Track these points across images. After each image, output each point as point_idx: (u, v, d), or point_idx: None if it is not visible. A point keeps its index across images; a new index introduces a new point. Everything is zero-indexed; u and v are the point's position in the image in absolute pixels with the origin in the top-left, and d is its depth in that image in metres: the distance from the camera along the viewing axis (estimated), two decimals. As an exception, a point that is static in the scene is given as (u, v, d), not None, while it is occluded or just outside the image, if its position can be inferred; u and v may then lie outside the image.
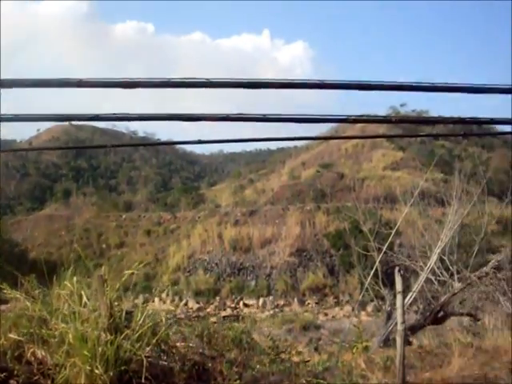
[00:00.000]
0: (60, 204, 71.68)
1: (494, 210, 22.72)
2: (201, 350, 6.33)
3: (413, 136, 75.82)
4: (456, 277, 14.12)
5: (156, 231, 56.69)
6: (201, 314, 38.15)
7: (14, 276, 7.23)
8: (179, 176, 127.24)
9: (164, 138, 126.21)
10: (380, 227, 18.29)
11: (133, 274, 6.99)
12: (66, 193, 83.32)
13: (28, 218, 64.11)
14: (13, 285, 6.94)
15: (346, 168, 67.59)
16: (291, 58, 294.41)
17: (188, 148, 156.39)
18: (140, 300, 36.43)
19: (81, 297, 6.21)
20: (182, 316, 31.96)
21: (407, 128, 63.64)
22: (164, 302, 43.82)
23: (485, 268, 13.63)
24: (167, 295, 45.32)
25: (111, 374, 5.53)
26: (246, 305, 43.42)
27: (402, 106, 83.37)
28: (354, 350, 9.51)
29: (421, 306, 14.55)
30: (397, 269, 7.83)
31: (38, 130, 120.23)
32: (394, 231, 16.18)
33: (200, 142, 4.83)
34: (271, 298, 43.71)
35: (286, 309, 41.93)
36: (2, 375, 5.71)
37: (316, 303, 42.92)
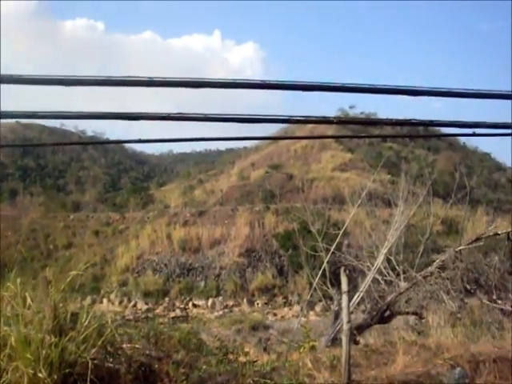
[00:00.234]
0: (6, 204, 70.11)
1: (439, 211, 23.13)
2: (147, 352, 6.27)
3: (359, 137, 76.97)
4: (402, 276, 14.32)
5: (104, 232, 55.93)
6: (150, 315, 37.91)
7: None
8: (128, 176, 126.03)
9: (113, 137, 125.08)
10: (328, 228, 18.46)
11: (80, 274, 6.88)
12: (12, 192, 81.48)
13: (-28, 219, 62.57)
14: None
15: (295, 169, 67.96)
16: (242, 58, 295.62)
17: (137, 148, 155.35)
18: (88, 301, 35.95)
19: (25, 299, 6.08)
20: (131, 317, 31.70)
21: (356, 130, 64.58)
22: (112, 304, 43.27)
23: (430, 268, 13.86)
24: (116, 296, 44.75)
25: (55, 377, 5.42)
26: (195, 305, 43.22)
27: (351, 107, 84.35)
28: (301, 350, 9.57)
29: (368, 306, 14.70)
30: (342, 269, 7.93)
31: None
32: (341, 232, 16.35)
33: (140, 141, 4.78)
34: (220, 298, 43.63)
35: (236, 309, 41.93)
36: None
37: (265, 303, 43.02)
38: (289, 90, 3.69)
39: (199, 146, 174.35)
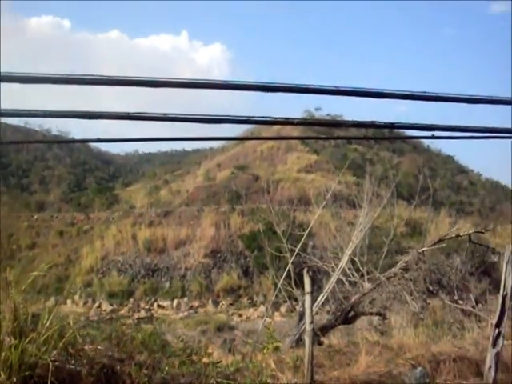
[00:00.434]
0: (-34, 203, 68.95)
1: (403, 213, 23.41)
2: (110, 353, 6.22)
3: (322, 138, 77.46)
4: (366, 277, 14.43)
5: (69, 232, 55.24)
6: (114, 316, 37.60)
7: None
8: (93, 176, 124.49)
9: (78, 136, 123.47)
10: (293, 229, 18.50)
11: (43, 275, 6.79)
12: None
13: None
14: None
15: (261, 170, 68.06)
16: (209, 59, 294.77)
17: (103, 148, 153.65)
18: (51, 302, 35.49)
19: (-16, 300, 5.97)
20: (95, 318, 31.39)
21: (322, 132, 64.96)
22: (76, 305, 42.75)
23: (393, 269, 13.99)
24: (80, 297, 44.22)
25: (15, 379, 5.33)
26: (160, 306, 42.98)
27: (317, 110, 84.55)
28: (265, 351, 9.59)
29: (332, 307, 14.79)
30: (305, 270, 7.97)
31: None
32: (306, 233, 16.42)
33: (99, 140, 4.75)
34: (186, 299, 43.46)
35: (201, 310, 41.83)
36: None
37: (230, 304, 43.00)
38: (253, 91, 3.70)
39: (165, 147, 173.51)
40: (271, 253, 18.12)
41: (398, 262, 14.32)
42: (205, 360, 7.17)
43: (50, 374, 5.27)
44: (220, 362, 7.69)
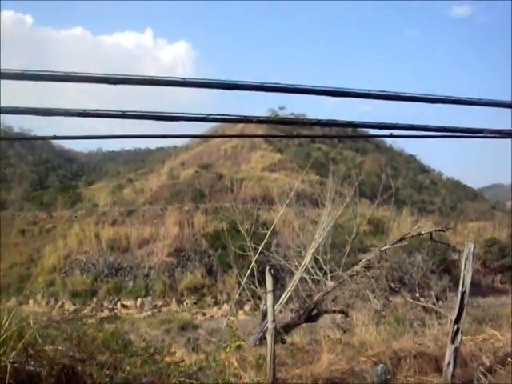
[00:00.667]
0: None
1: (366, 212, 23.59)
2: (71, 353, 6.15)
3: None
4: (329, 276, 14.50)
5: (31, 231, 54.51)
6: (77, 315, 37.22)
7: None
8: (56, 174, 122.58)
9: (41, 134, 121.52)
10: (257, 227, 18.52)
11: (4, 275, 6.69)
12: None
13: None
14: None
15: (224, 169, 68.04)
16: (173, 57, 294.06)
17: (66, 145, 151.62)
18: (12, 302, 34.99)
19: None
20: (58, 318, 30.98)
21: (286, 131, 65.20)
22: (39, 305, 42.19)
23: (356, 267, 14.08)
24: (42, 297, 43.66)
25: (-28, 382, 5.26)
26: (123, 306, 42.71)
27: (281, 108, 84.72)
28: (228, 350, 9.60)
29: (296, 305, 14.83)
30: (267, 268, 7.98)
31: None
32: (269, 231, 16.46)
33: (55, 137, 4.70)
34: (149, 298, 43.27)
35: (164, 309, 41.70)
36: None
37: (194, 303, 42.93)
38: (218, 89, 3.69)
39: (129, 145, 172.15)
40: (235, 251, 18.11)
41: (360, 261, 14.40)
42: (167, 359, 7.13)
43: (7, 376, 5.19)
44: (183, 361, 7.66)
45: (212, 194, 56.29)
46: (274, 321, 7.42)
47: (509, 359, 8.30)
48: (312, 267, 14.92)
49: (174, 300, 42.89)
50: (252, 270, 14.97)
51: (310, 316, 14.34)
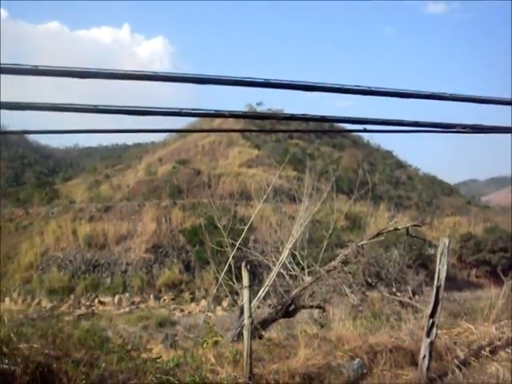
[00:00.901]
0: None
1: (343, 207, 23.67)
2: (46, 351, 6.10)
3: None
4: (306, 271, 14.54)
5: (7, 227, 53.75)
6: (54, 313, 36.96)
7: None
8: (32, 170, 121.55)
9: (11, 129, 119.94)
10: (235, 223, 18.51)
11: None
12: None
13: None
14: None
15: (202, 164, 67.94)
16: (151, 53, 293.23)
17: (42, 141, 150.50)
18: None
19: None
20: (35, 315, 30.74)
21: (263, 127, 65.20)
22: (15, 302, 41.82)
23: (333, 262, 14.14)
24: (19, 294, 43.24)
25: None
26: (101, 302, 42.46)
27: (258, 104, 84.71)
28: (205, 345, 9.60)
29: (274, 300, 14.85)
30: (243, 264, 7.99)
31: None
32: (247, 227, 16.46)
33: (25, 132, 4.67)
34: (127, 294, 43.07)
35: (142, 305, 41.54)
36: None
37: (172, 299, 42.84)
38: (196, 84, 3.68)
39: (106, 141, 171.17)
40: (212, 247, 18.09)
41: (337, 256, 14.46)
42: (144, 356, 7.11)
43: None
44: (160, 357, 7.64)
45: (190, 190, 56.10)
46: (250, 316, 7.44)
47: (483, 352, 8.40)
48: (289, 263, 14.95)
49: (151, 296, 42.77)
50: (230, 265, 14.96)
51: (288, 311, 14.38)
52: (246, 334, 7.33)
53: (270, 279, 14.15)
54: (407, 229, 14.98)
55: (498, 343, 8.76)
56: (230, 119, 53.64)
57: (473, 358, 8.25)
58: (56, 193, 68.87)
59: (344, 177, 51.25)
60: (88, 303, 42.10)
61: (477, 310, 10.82)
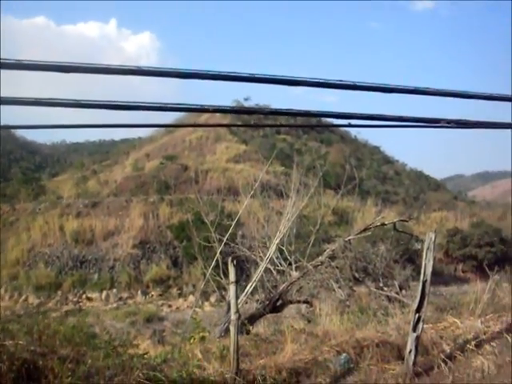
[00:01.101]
0: None
1: (331, 202, 23.69)
2: (32, 348, 6.08)
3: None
4: (294, 266, 14.59)
5: (-6, 223, 53.59)
6: (41, 309, 36.84)
7: None
8: (19, 166, 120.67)
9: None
10: (222, 219, 18.52)
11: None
12: None
13: None
14: None
15: (189, 160, 67.82)
16: (138, 48, 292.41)
17: (28, 137, 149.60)
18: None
19: None
20: (22, 312, 30.62)
21: (249, 121, 65.13)
22: (2, 299, 41.59)
23: (320, 257, 14.19)
24: (6, 291, 43.01)
25: None
26: (88, 298, 42.34)
27: (246, 99, 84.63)
28: (192, 341, 9.60)
29: (262, 296, 14.88)
30: (230, 259, 8.00)
31: None
32: (234, 222, 16.47)
33: (6, 126, 4.63)
34: (114, 290, 42.96)
35: (130, 301, 41.47)
36: None
37: (160, 295, 42.80)
38: (180, 78, 3.66)
39: (93, 136, 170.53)
40: (200, 243, 18.10)
41: (325, 251, 14.51)
42: (131, 352, 7.10)
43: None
44: (147, 353, 7.64)
45: (177, 186, 56.03)
46: (236, 312, 7.45)
47: (468, 346, 8.45)
48: (277, 258, 14.99)
49: (139, 292, 42.70)
50: (217, 261, 14.97)
51: (275, 306, 14.41)
52: (232, 329, 7.34)
53: (257, 274, 14.16)
54: (394, 224, 15.06)
55: (484, 337, 8.83)
56: (218, 115, 53.68)
57: (458, 352, 8.30)
58: (43, 189, 68.45)
59: (331, 172, 51.22)
60: (75, 299, 41.96)
61: (463, 304, 10.87)
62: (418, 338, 7.65)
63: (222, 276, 15.01)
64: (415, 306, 7.64)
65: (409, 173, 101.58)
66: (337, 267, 13.80)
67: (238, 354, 7.21)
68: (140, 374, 6.39)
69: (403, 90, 4.12)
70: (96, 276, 44.79)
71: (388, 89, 4.06)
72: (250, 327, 11.43)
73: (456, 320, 9.65)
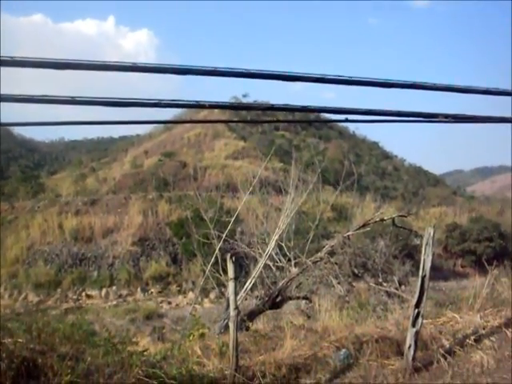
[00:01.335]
0: None
1: (330, 198, 23.68)
2: (31, 346, 6.07)
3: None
4: (293, 262, 14.58)
5: (-7, 222, 53.57)
6: (41, 307, 36.88)
7: None
8: (17, 164, 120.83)
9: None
10: (221, 215, 18.51)
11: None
12: None
13: None
14: None
15: (188, 157, 67.86)
16: (136, 45, 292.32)
17: (27, 135, 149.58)
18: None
19: None
20: (21, 310, 30.65)
21: (247, 118, 65.09)
22: (2, 297, 41.60)
23: (319, 253, 14.16)
24: (5, 289, 43.02)
25: None
26: (88, 296, 42.39)
27: (244, 96, 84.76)
28: (191, 338, 9.60)
29: (261, 292, 14.87)
30: (228, 256, 7.98)
31: None
32: (233, 219, 16.45)
33: (3, 124, 4.61)
34: (114, 288, 43.02)
35: (130, 298, 41.53)
36: None
37: (159, 292, 42.87)
38: (178, 75, 3.65)
39: (91, 134, 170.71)
40: (199, 240, 18.09)
41: (324, 247, 14.47)
42: (130, 349, 7.10)
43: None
44: (146, 350, 7.63)
45: (176, 183, 56.09)
46: (236, 308, 7.44)
47: (467, 341, 8.46)
48: (276, 254, 14.97)
49: (139, 289, 42.75)
50: (216, 257, 14.96)
51: (275, 303, 14.39)
52: (231, 325, 7.34)
53: (256, 271, 14.15)
54: (393, 219, 15.02)
55: (483, 332, 8.83)
56: (216, 111, 53.60)
57: (458, 347, 8.30)
58: (41, 186, 68.46)
59: (330, 168, 51.34)
60: (75, 297, 42.00)
61: (462, 299, 10.88)
62: (417, 333, 7.65)
63: (222, 272, 14.99)
64: (414, 301, 7.63)
65: (408, 168, 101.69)
66: (336, 263, 13.77)
67: (237, 350, 7.21)
68: (139, 371, 6.39)
69: (402, 84, 4.11)
70: (95, 273, 44.84)
71: (387, 84, 4.06)
72: (250, 323, 11.44)
73: (455, 315, 9.66)
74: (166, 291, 43.00)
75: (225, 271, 14.92)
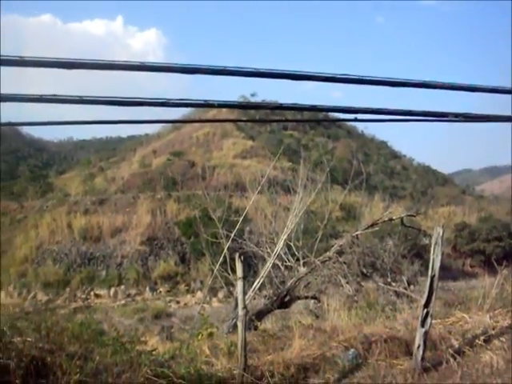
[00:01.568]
0: None
1: (338, 198, 23.64)
2: (40, 345, 6.08)
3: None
4: (302, 262, 14.55)
5: (1, 221, 53.72)
6: (50, 306, 36.97)
7: None
8: (26, 164, 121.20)
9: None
10: (229, 215, 18.52)
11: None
12: None
13: None
14: None
15: (196, 156, 67.86)
16: (144, 44, 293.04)
17: (35, 134, 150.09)
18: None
19: None
20: (30, 309, 30.74)
21: (255, 117, 65.07)
22: (11, 296, 41.79)
23: (328, 253, 14.14)
24: (14, 288, 43.21)
25: None
26: (97, 295, 42.52)
27: (252, 95, 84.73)
28: (199, 337, 9.60)
29: (270, 291, 14.85)
30: (237, 255, 7.97)
31: None
32: (241, 218, 16.45)
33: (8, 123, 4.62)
34: (123, 287, 43.12)
35: (138, 298, 41.62)
36: None
37: (168, 291, 42.92)
38: (186, 74, 3.65)
39: (100, 133, 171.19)
40: (207, 239, 18.09)
41: (332, 246, 14.46)
42: (139, 348, 7.10)
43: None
44: (155, 349, 7.64)
45: (184, 182, 56.07)
46: (244, 308, 7.43)
47: (477, 341, 8.42)
48: (284, 254, 14.95)
49: (147, 288, 42.81)
50: (225, 257, 14.96)
51: (283, 302, 14.38)
52: (240, 325, 7.33)
53: (265, 270, 14.14)
54: (402, 219, 14.98)
55: (492, 332, 8.79)
56: (224, 110, 53.65)
57: (467, 347, 8.26)
58: (50, 186, 68.73)
59: (338, 167, 51.22)
60: (84, 296, 42.14)
61: (471, 299, 10.83)
62: (426, 333, 7.61)
63: (230, 272, 14.97)
64: (423, 301, 7.60)
65: (416, 167, 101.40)
66: (344, 262, 13.74)
67: (245, 349, 7.20)
68: (148, 371, 6.39)
69: (411, 83, 4.09)
70: (104, 273, 44.96)
71: (396, 83, 4.04)
72: (258, 323, 11.43)
73: (464, 315, 9.61)
74: (175, 290, 43.05)
75: (233, 270, 14.89)
